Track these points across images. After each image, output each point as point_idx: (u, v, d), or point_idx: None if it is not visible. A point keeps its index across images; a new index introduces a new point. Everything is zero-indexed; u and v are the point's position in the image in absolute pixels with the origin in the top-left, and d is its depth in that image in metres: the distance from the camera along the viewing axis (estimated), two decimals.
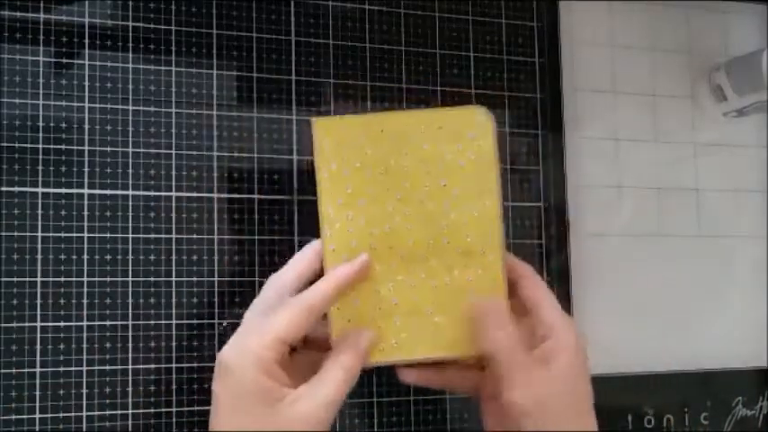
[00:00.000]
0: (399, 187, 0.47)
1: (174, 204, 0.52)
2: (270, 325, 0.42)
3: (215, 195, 0.52)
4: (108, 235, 0.50)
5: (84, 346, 0.49)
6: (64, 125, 0.50)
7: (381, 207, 0.46)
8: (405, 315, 0.47)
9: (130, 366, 0.49)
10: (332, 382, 0.42)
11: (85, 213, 0.50)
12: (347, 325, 0.46)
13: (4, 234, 0.48)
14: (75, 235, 0.49)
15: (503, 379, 0.46)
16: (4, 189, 0.48)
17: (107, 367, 0.49)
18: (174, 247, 0.51)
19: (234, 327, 0.44)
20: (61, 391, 0.48)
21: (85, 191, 0.50)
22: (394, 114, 0.47)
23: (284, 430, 0.41)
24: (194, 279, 0.51)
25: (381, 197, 0.46)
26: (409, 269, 0.47)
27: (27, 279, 0.48)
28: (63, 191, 0.49)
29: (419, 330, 0.47)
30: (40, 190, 0.49)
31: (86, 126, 0.50)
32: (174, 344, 0.50)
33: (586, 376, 0.48)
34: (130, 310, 0.50)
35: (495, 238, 0.47)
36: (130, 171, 0.51)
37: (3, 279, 0.48)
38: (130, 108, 0.51)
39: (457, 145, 0.47)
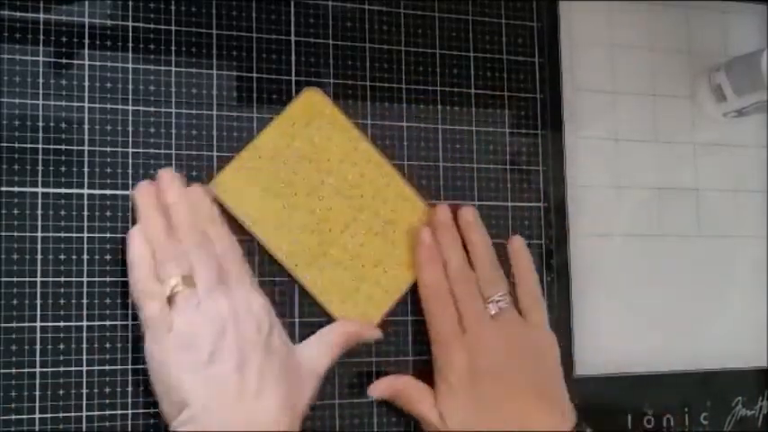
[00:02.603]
0: (303, 187, 0.53)
1: None
2: None
3: None
4: (108, 235, 0.50)
5: (84, 346, 0.49)
6: (64, 125, 0.50)
7: (301, 208, 0.53)
8: (373, 267, 0.55)
9: (130, 366, 0.49)
10: None
11: (85, 213, 0.50)
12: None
13: (4, 234, 0.48)
14: (75, 235, 0.49)
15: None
16: (4, 189, 0.48)
17: (107, 367, 0.49)
18: None
19: None
20: (61, 391, 0.48)
21: (85, 191, 0.50)
22: (259, 138, 0.53)
23: None
24: None
25: (295, 203, 0.53)
26: (350, 232, 0.54)
27: (27, 279, 0.48)
28: (63, 191, 0.49)
29: (393, 271, 0.55)
30: (39, 190, 0.49)
31: (86, 126, 0.50)
32: None
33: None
34: (130, 310, 0.50)
35: (389, 173, 0.56)
36: (130, 171, 0.51)
37: (3, 279, 0.48)
38: (130, 108, 0.51)
39: (312, 128, 0.54)
